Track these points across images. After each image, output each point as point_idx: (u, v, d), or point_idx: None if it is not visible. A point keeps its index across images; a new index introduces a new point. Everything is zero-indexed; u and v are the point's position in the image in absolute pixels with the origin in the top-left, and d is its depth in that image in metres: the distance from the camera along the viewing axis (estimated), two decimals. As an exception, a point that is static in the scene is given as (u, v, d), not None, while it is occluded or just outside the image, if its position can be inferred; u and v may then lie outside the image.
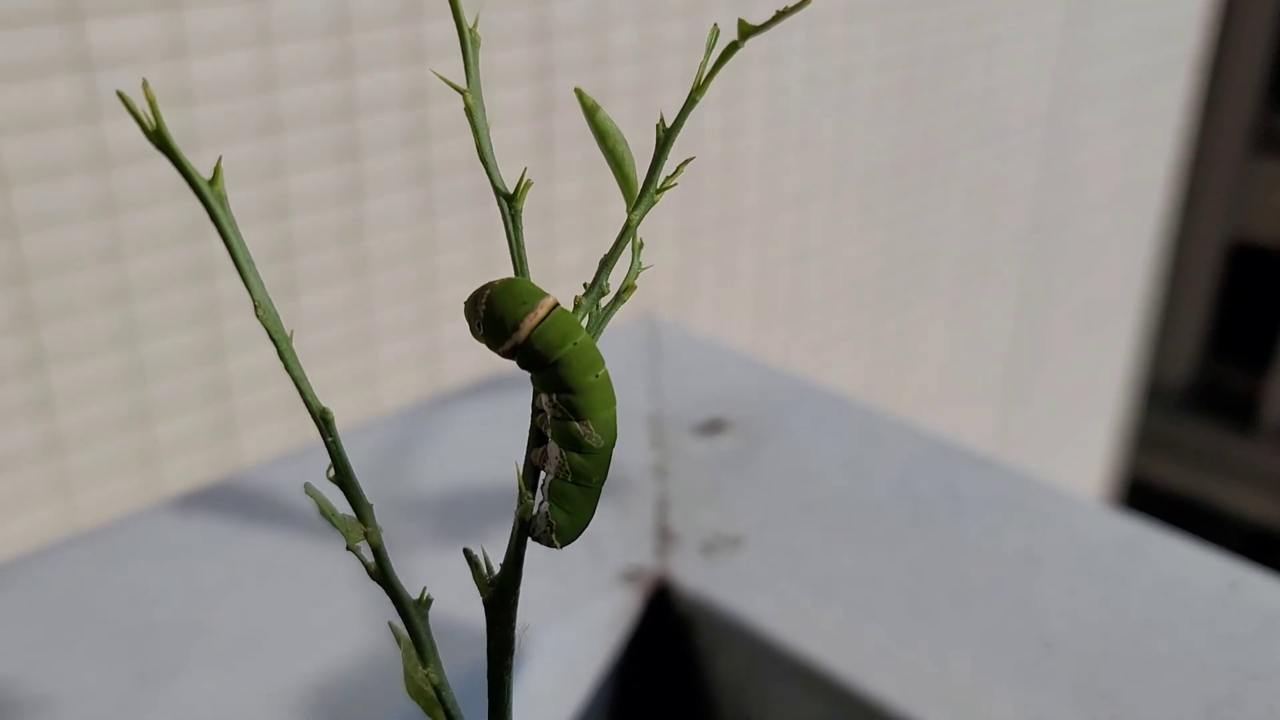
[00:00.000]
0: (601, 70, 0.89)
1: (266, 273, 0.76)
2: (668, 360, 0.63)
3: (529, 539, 0.24)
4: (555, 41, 0.85)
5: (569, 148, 0.89)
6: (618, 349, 0.64)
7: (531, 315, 0.21)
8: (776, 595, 0.47)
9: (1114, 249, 1.72)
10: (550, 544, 0.24)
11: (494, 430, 0.57)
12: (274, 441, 0.80)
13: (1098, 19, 1.42)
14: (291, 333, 0.20)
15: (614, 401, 0.23)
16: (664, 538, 0.50)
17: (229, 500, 0.49)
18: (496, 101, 0.83)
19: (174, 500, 0.50)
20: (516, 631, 0.25)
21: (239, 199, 0.72)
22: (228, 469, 0.78)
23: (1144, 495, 4.14)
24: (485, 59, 0.81)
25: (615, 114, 0.90)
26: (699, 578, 0.47)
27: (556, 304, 0.22)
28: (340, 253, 0.79)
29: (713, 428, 0.58)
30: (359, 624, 0.44)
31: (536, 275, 0.97)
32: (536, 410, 0.24)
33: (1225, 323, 4.93)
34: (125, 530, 0.48)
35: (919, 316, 1.38)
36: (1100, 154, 1.56)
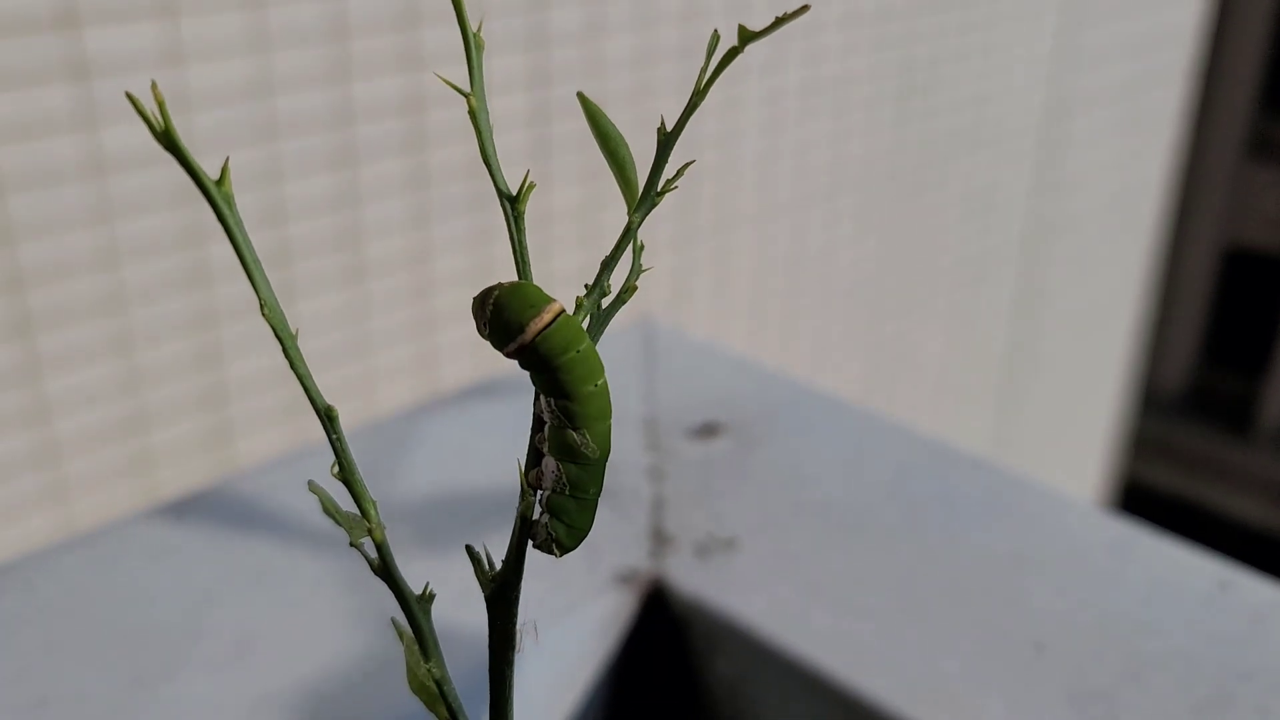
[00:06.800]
0: (598, 77, 0.90)
1: (263, 279, 0.76)
2: (663, 363, 0.64)
3: (531, 545, 0.25)
4: (552, 48, 0.86)
5: (566, 154, 0.89)
6: (614, 351, 0.64)
7: (537, 320, 0.22)
8: (771, 597, 0.47)
9: (1109, 254, 1.73)
10: (550, 552, 0.25)
11: (493, 432, 0.57)
12: (271, 448, 0.80)
13: (1091, 26, 1.43)
14: (297, 331, 0.20)
15: (610, 413, 0.23)
16: (659, 540, 0.50)
17: (224, 503, 0.50)
18: (494, 108, 0.84)
19: (168, 503, 0.50)
20: (520, 627, 0.25)
21: (236, 205, 0.73)
22: (229, 473, 0.78)
23: (1140, 499, 4.15)
24: (483, 66, 0.82)
25: (612, 120, 0.90)
26: (694, 580, 0.48)
27: (562, 310, 0.22)
28: (337, 259, 0.79)
29: (708, 430, 0.58)
30: (355, 627, 0.44)
31: (535, 281, 0.96)
32: (536, 418, 0.24)
33: (1220, 327, 4.94)
34: (120, 533, 0.48)
35: (914, 321, 1.39)
36: (1095, 160, 1.57)
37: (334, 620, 0.45)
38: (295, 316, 0.78)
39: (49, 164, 0.64)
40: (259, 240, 0.75)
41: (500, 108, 0.84)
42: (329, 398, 0.80)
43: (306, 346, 0.80)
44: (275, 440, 0.80)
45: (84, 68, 0.64)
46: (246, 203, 0.73)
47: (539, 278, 0.94)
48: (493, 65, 0.82)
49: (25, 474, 0.70)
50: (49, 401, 0.69)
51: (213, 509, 0.49)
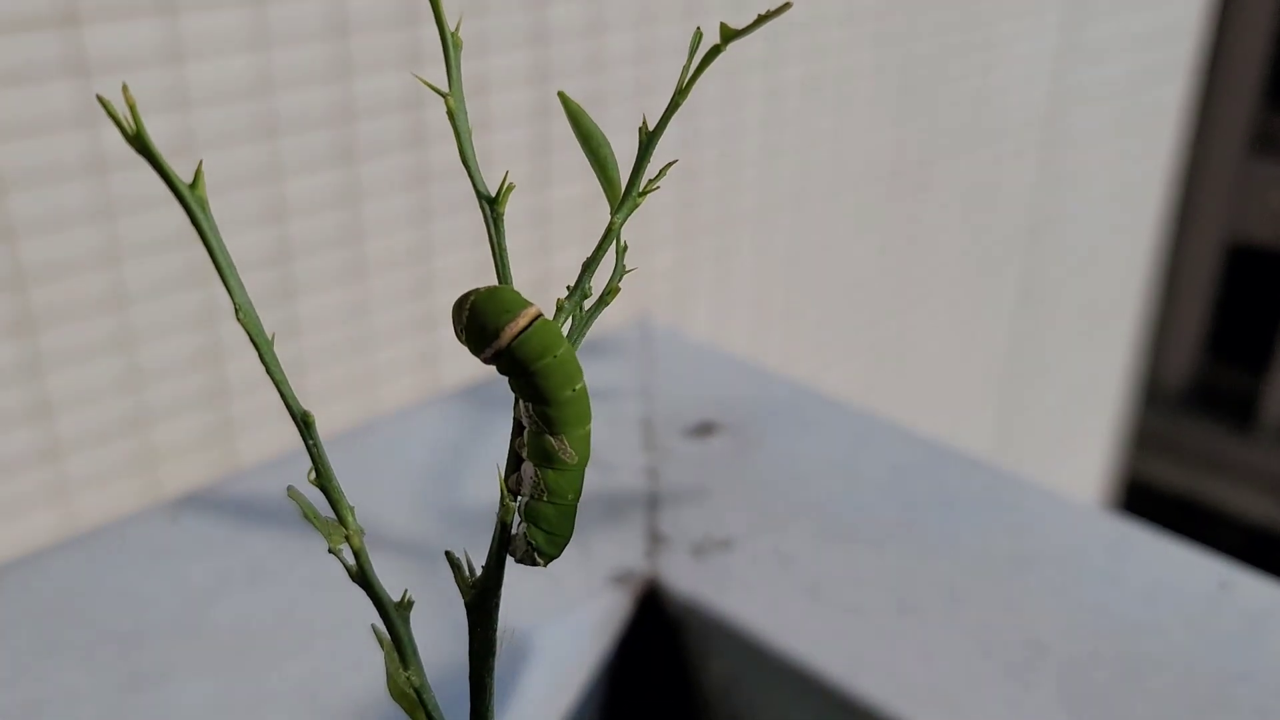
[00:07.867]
0: (599, 74, 0.90)
1: (264, 277, 0.76)
2: (660, 362, 0.64)
3: (513, 561, 0.25)
4: (553, 45, 0.86)
5: (566, 151, 0.89)
6: (611, 351, 0.64)
7: (513, 324, 0.22)
8: (766, 597, 0.47)
9: (1112, 250, 1.72)
10: (534, 564, 0.24)
11: (492, 433, 0.57)
12: (272, 445, 0.80)
13: (1094, 21, 1.43)
14: (273, 336, 0.20)
15: (589, 418, 0.23)
16: (654, 540, 0.50)
17: (219, 503, 0.50)
18: (494, 105, 0.84)
19: (164, 503, 0.50)
20: (499, 634, 0.25)
21: (236, 202, 0.73)
22: (226, 473, 0.78)
23: (1143, 496, 4.14)
24: (484, 62, 0.81)
25: (612, 117, 0.90)
26: (689, 580, 0.48)
27: (539, 314, 0.22)
28: (338, 256, 0.79)
29: (704, 430, 0.58)
30: (349, 627, 0.44)
31: (534, 278, 0.96)
32: (516, 423, 0.24)
33: (1224, 323, 4.93)
34: (116, 533, 0.48)
35: (917, 318, 1.38)
36: (1097, 156, 1.56)
37: (329, 620, 0.45)
38: (296, 314, 0.78)
39: (50, 162, 0.64)
40: (260, 238, 0.75)
41: (502, 103, 0.84)
42: (330, 396, 0.79)
43: (307, 344, 0.80)
44: (277, 438, 0.80)
45: (84, 66, 0.64)
46: (247, 200, 0.73)
47: (538, 275, 0.93)
48: (494, 61, 0.82)
49: (27, 472, 0.70)
50: (50, 399, 0.69)
51: (208, 509, 0.49)
